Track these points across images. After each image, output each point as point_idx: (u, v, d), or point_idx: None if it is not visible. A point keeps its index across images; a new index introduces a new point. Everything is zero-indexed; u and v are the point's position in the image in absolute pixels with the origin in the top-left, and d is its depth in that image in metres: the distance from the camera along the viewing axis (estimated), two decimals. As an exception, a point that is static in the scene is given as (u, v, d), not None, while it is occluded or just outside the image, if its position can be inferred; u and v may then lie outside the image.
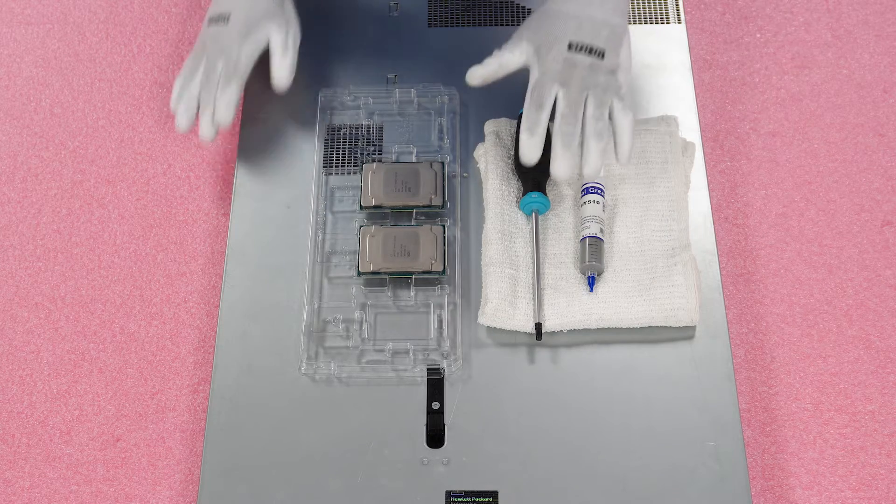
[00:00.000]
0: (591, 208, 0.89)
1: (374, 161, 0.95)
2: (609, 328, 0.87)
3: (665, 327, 0.87)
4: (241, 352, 0.87)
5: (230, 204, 0.96)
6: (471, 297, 0.89)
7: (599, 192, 0.90)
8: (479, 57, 1.01)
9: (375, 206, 0.92)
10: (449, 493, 0.81)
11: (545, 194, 0.90)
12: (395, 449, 0.82)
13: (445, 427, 0.83)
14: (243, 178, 0.96)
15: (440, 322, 0.88)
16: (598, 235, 0.88)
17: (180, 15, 1.13)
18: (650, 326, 0.87)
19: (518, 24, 1.04)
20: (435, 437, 0.83)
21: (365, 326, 0.88)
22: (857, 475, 0.87)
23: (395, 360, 0.86)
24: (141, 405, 0.91)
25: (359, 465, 0.82)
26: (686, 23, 1.05)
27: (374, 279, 0.90)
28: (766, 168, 1.02)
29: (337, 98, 0.99)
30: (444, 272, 0.89)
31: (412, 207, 0.92)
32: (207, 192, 1.01)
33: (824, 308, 0.95)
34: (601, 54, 0.87)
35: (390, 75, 1.01)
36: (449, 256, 0.90)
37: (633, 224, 0.91)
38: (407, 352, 0.87)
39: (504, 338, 0.87)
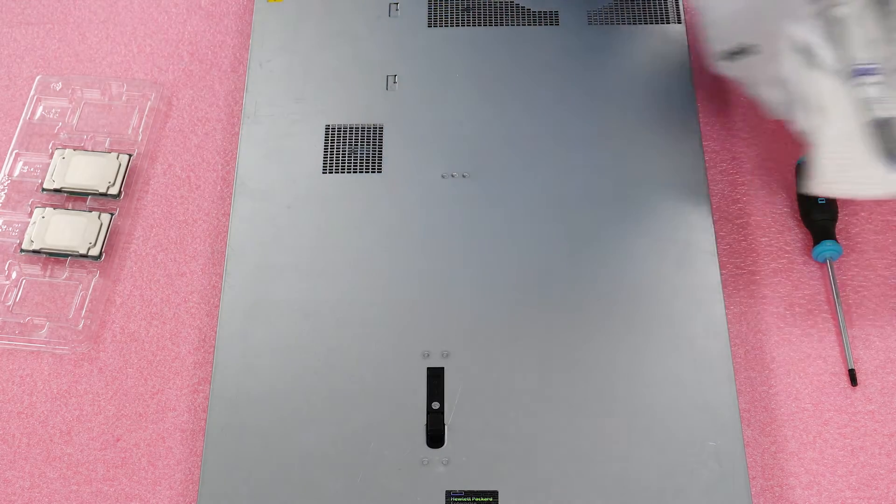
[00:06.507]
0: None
1: None
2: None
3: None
4: (241, 352, 0.87)
5: (230, 204, 0.96)
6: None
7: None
8: (479, 57, 1.00)
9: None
10: (449, 493, 0.81)
11: (837, 241, 0.94)
12: (395, 449, 0.82)
13: (445, 427, 0.83)
14: (243, 179, 0.96)
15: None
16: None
17: (180, 15, 1.13)
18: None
19: (517, 24, 1.04)
20: (435, 437, 0.83)
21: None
22: (857, 475, 0.87)
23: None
24: (141, 405, 0.91)
25: (359, 465, 0.82)
26: (686, 23, 1.05)
27: None
28: (766, 168, 1.02)
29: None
30: (99, 257, 0.95)
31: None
32: (207, 192, 1.01)
33: (824, 308, 0.95)
34: None
35: (390, 75, 1.01)
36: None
37: None
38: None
39: (504, 338, 0.87)
